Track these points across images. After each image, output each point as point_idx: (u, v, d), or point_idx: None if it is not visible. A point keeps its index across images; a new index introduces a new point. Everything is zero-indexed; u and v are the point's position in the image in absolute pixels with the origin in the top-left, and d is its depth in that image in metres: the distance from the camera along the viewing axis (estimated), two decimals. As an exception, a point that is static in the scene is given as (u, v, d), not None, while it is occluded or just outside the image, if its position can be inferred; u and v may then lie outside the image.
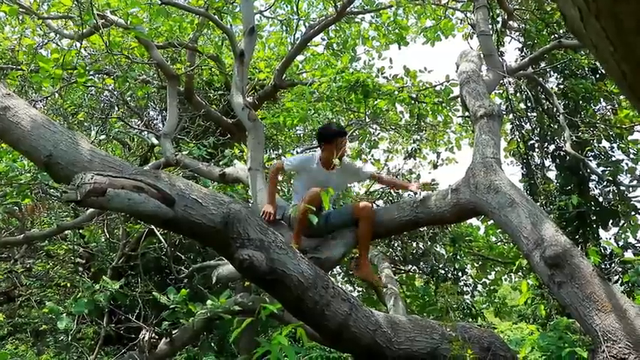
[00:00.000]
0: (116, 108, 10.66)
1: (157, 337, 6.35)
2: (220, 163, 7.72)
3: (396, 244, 8.30)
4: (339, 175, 5.12)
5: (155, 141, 8.53)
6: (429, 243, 7.90)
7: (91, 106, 10.12)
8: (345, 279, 9.68)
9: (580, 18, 1.04)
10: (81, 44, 7.80)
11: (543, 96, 8.78)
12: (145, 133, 9.66)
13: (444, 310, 3.68)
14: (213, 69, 10.12)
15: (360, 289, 9.55)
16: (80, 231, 8.39)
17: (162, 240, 6.74)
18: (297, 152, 10.27)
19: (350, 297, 3.62)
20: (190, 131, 10.06)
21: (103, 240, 8.58)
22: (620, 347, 3.47)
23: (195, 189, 3.33)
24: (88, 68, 7.62)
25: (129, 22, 7.17)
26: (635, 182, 7.81)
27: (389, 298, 6.12)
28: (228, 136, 9.58)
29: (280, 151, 10.89)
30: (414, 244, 8.16)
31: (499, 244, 8.72)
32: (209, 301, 5.84)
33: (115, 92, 9.70)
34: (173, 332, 6.34)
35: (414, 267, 8.64)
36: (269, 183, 5.22)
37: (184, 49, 9.18)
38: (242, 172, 6.55)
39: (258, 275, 3.25)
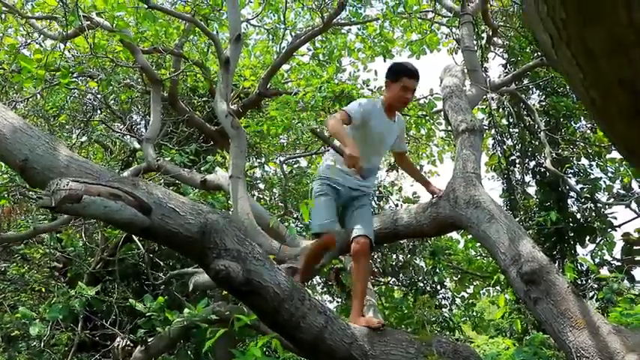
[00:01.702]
0: (99, 111, 10.57)
1: (132, 344, 6.28)
2: (202, 169, 7.68)
3: (375, 256, 8.30)
4: (397, 126, 4.44)
5: (137, 145, 8.47)
6: (409, 255, 7.92)
7: (74, 109, 10.01)
8: (324, 289, 9.65)
9: (552, 44, 1.05)
10: (65, 45, 7.74)
11: (525, 112, 8.88)
12: (128, 137, 9.58)
13: (420, 323, 3.67)
14: (198, 75, 10.10)
15: (339, 299, 9.53)
16: (57, 235, 8.28)
17: (140, 246, 6.67)
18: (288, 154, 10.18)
19: (326, 309, 3.60)
20: (173, 137, 10.01)
21: (81, 244, 8.47)
22: (592, 364, 3.50)
23: (173, 197, 3.30)
24: (71, 70, 7.55)
25: (114, 26, 7.12)
26: (612, 200, 7.91)
27: (367, 310, 6.11)
28: (211, 142, 9.54)
29: (263, 159, 10.85)
30: (394, 256, 8.17)
31: (478, 258, 8.76)
32: (186, 310, 5.79)
33: (99, 95, 9.62)
34: (149, 340, 6.28)
35: (393, 279, 8.64)
36: (335, 127, 3.85)
37: (169, 55, 9.14)
38: (223, 179, 6.53)
39: (234, 286, 3.22)
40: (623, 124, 1.06)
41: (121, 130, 9.86)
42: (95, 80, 8.46)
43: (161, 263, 8.45)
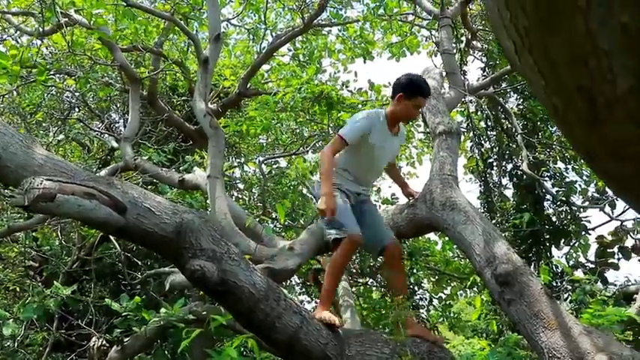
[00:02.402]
0: (76, 109, 10.47)
1: (107, 344, 6.23)
2: (181, 169, 7.65)
3: (353, 257, 8.32)
4: (396, 143, 4.35)
5: (115, 144, 8.41)
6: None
7: (51, 107, 9.91)
8: (303, 290, 9.66)
9: (515, 51, 1.07)
10: (42, 42, 7.66)
11: (503, 116, 8.99)
12: (106, 136, 9.51)
13: (395, 323, 3.69)
14: (177, 74, 10.05)
15: (318, 300, 9.53)
16: (33, 233, 8.19)
17: (117, 245, 6.63)
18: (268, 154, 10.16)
19: (302, 310, 3.62)
20: (152, 136, 9.95)
21: (57, 244, 8.38)
22: (564, 365, 3.55)
23: (148, 197, 3.29)
24: (48, 67, 7.47)
25: (93, 23, 7.06)
26: (586, 203, 8.03)
27: (344, 311, 6.16)
28: (190, 142, 9.50)
29: (243, 159, 10.83)
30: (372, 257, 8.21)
31: (456, 259, 8.82)
32: (163, 309, 5.76)
33: (76, 93, 9.53)
34: (125, 340, 6.23)
35: (371, 280, 8.68)
36: (324, 167, 3.90)
37: (149, 53, 9.09)
38: (201, 179, 6.51)
39: (210, 286, 3.22)
40: (582, 131, 1.09)
41: (99, 128, 9.78)
42: (73, 78, 8.39)
43: (139, 263, 8.40)
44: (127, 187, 3.27)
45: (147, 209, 3.19)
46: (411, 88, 4.05)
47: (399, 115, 4.13)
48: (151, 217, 3.18)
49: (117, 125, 11.23)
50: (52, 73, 8.22)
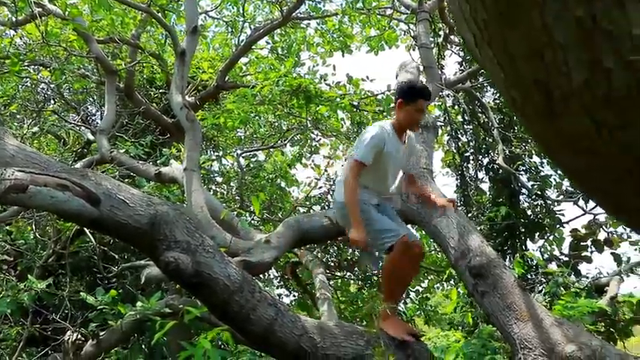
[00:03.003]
0: (52, 101, 10.34)
1: (83, 338, 6.18)
2: (158, 162, 7.61)
3: (331, 250, 8.37)
4: (405, 150, 4.24)
5: (91, 137, 8.33)
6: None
7: (25, 98, 9.77)
8: (281, 283, 9.67)
9: (475, 44, 1.09)
10: (15, 32, 7.55)
11: (479, 110, 9.06)
12: (82, 128, 9.40)
13: (369, 315, 3.73)
14: (154, 67, 9.97)
15: (296, 294, 9.57)
16: (7, 227, 8.08)
17: (92, 238, 6.57)
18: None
19: (277, 302, 3.63)
20: (129, 129, 9.86)
21: (32, 237, 8.28)
22: (535, 355, 3.63)
23: (122, 189, 3.27)
24: (22, 58, 7.37)
25: (67, 14, 6.97)
26: (561, 197, 8.15)
27: (322, 304, 6.17)
28: (168, 135, 9.44)
29: (221, 152, 10.79)
30: (350, 250, 8.24)
31: (432, 252, 8.90)
32: (139, 303, 5.74)
33: (52, 85, 9.41)
34: (101, 334, 6.20)
35: (349, 273, 8.73)
36: (351, 198, 3.89)
37: (126, 45, 9.00)
38: (178, 172, 6.48)
39: (184, 278, 3.22)
40: (539, 124, 1.12)
41: (75, 121, 9.67)
42: (48, 69, 8.28)
43: (116, 256, 8.34)
44: (101, 179, 3.25)
45: (121, 201, 3.17)
46: (411, 92, 4.03)
47: (404, 122, 4.07)
48: (125, 209, 3.17)
49: (94, 118, 11.11)
50: (26, 64, 8.11)
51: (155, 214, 3.22)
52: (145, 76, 10.44)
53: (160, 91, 10.53)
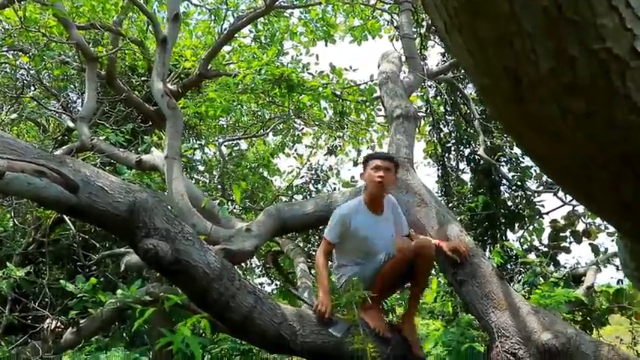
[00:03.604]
0: (32, 87, 10.21)
1: (62, 326, 6.15)
2: (139, 150, 7.56)
3: (312, 239, 8.39)
4: (387, 219, 4.19)
5: (71, 124, 8.24)
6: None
7: (4, 84, 9.64)
8: (262, 272, 9.68)
9: (445, 31, 1.11)
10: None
11: (461, 101, 9.10)
12: (62, 115, 9.29)
13: (349, 305, 3.75)
14: (136, 54, 9.88)
15: (278, 283, 9.59)
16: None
17: (71, 226, 6.53)
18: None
19: (256, 290, 3.64)
20: (111, 116, 9.78)
21: (12, 225, 8.21)
22: (511, 343, 3.68)
23: (101, 176, 3.25)
24: (0, 43, 7.27)
25: (47, -1, 6.88)
26: (541, 188, 8.23)
27: (302, 292, 6.20)
28: (150, 123, 9.37)
29: (203, 141, 10.74)
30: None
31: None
32: (119, 291, 5.72)
33: (31, 71, 9.29)
34: (81, 322, 6.17)
35: (330, 262, 8.73)
36: (318, 275, 4.13)
37: (107, 32, 8.90)
38: (159, 159, 6.46)
39: (163, 265, 3.22)
40: (508, 110, 1.14)
41: (55, 108, 9.56)
42: (27, 55, 8.17)
43: (97, 245, 8.30)
44: (79, 166, 3.23)
45: (99, 188, 3.16)
46: (364, 160, 4.23)
47: (370, 189, 4.12)
48: (103, 196, 3.16)
49: (75, 105, 11.01)
50: (4, 49, 7.99)
51: (134, 201, 3.21)
52: (126, 64, 10.35)
53: (142, 78, 10.44)
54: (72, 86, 10.92)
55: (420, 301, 4.44)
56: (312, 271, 8.64)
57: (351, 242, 4.08)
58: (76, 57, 9.15)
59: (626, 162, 1.09)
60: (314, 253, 8.61)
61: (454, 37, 1.10)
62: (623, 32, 0.98)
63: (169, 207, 3.37)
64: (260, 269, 9.97)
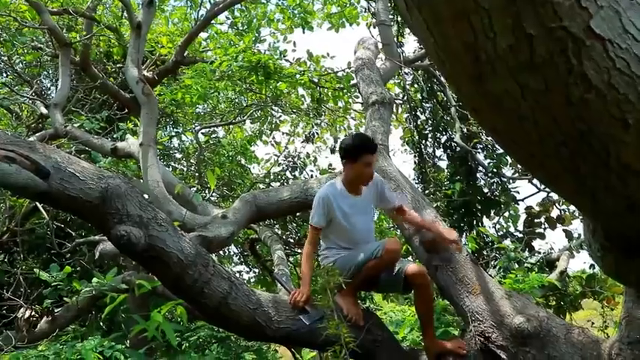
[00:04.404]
0: (4, 74, 10.03)
1: (37, 315, 6.10)
2: (115, 137, 7.48)
3: (290, 227, 8.40)
4: (368, 194, 4.09)
5: (45, 111, 8.12)
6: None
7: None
8: (241, 260, 9.68)
9: (406, 8, 1.11)
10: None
11: (438, 88, 9.13)
12: (35, 101, 9.15)
13: (323, 290, 3.76)
14: (111, 40, 9.75)
15: (256, 270, 9.59)
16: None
17: (45, 214, 6.46)
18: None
19: (230, 276, 3.63)
20: (86, 103, 9.66)
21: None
22: (485, 326, 3.72)
23: (73, 162, 3.21)
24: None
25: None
26: (516, 174, 8.30)
27: (279, 281, 6.20)
28: (126, 110, 9.27)
29: (180, 129, 10.67)
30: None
31: (391, 229, 8.99)
32: (94, 279, 5.68)
33: (3, 57, 9.12)
34: (56, 311, 6.12)
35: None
36: (302, 267, 4.09)
37: (81, 18, 8.76)
38: (134, 147, 6.40)
39: (136, 252, 3.19)
40: (467, 86, 1.14)
41: (29, 94, 9.40)
42: (-2, 40, 8.03)
43: (73, 233, 8.22)
44: (50, 152, 3.18)
45: (71, 174, 3.11)
46: (353, 150, 3.88)
47: (355, 181, 3.96)
48: (75, 182, 3.11)
49: (49, 92, 10.84)
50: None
51: (106, 187, 3.17)
52: (101, 50, 10.21)
53: (118, 65, 10.31)
54: (46, 73, 10.75)
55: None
56: (291, 259, 8.69)
57: (334, 225, 3.99)
58: (49, 43, 8.99)
59: (583, 139, 1.11)
60: (291, 240, 8.66)
61: (414, 15, 1.10)
62: (579, 11, 1.00)
63: (143, 193, 3.35)
64: (238, 257, 9.96)
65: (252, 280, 9.59)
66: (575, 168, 1.20)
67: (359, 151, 3.84)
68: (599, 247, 1.79)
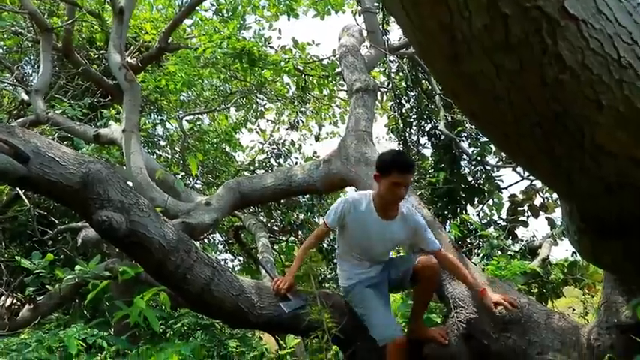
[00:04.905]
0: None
1: (19, 303, 6.07)
2: (98, 124, 7.42)
3: (274, 214, 8.41)
4: (400, 227, 3.74)
5: (26, 97, 8.02)
6: (308, 213, 8.07)
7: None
8: (225, 248, 9.68)
9: (382, -12, 1.11)
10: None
11: (423, 76, 9.13)
12: (16, 87, 9.02)
13: (306, 276, 3.78)
14: (94, 26, 9.63)
15: (241, 259, 9.59)
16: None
17: (26, 201, 6.41)
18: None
19: (213, 262, 3.62)
20: (69, 90, 9.55)
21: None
22: (467, 312, 3.75)
23: (53, 147, 3.18)
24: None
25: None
26: (500, 163, 8.34)
27: (264, 267, 6.21)
28: (109, 97, 9.18)
29: (165, 116, 10.59)
30: (294, 214, 8.29)
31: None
32: (77, 266, 5.64)
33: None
34: (39, 298, 6.09)
35: (293, 237, 8.78)
36: (299, 250, 4.00)
37: (63, 2, 8.64)
38: (117, 133, 6.36)
39: (118, 237, 3.17)
40: (444, 66, 1.15)
41: (10, 80, 9.27)
42: (-23, 25, 7.91)
43: (56, 221, 8.15)
44: (30, 136, 3.14)
45: (51, 159, 3.08)
46: (383, 165, 3.59)
47: (382, 197, 3.64)
48: (55, 167, 3.08)
49: (30, 78, 10.69)
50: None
51: (87, 172, 3.14)
52: (84, 36, 10.08)
53: (101, 52, 10.19)
54: (27, 59, 10.60)
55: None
56: (276, 247, 8.70)
57: (349, 233, 3.80)
58: (30, 28, 8.87)
59: (558, 120, 1.12)
60: (276, 228, 8.67)
61: (391, -4, 1.10)
62: (554, -10, 1.00)
63: (125, 180, 3.33)
64: (223, 245, 9.95)
65: (237, 268, 9.59)
66: (550, 149, 1.21)
67: (388, 168, 3.54)
68: (575, 230, 1.81)
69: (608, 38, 1.07)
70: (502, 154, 8.26)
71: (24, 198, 6.64)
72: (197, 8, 9.56)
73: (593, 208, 1.53)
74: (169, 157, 10.17)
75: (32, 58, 10.62)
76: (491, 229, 8.05)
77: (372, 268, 3.85)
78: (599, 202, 1.42)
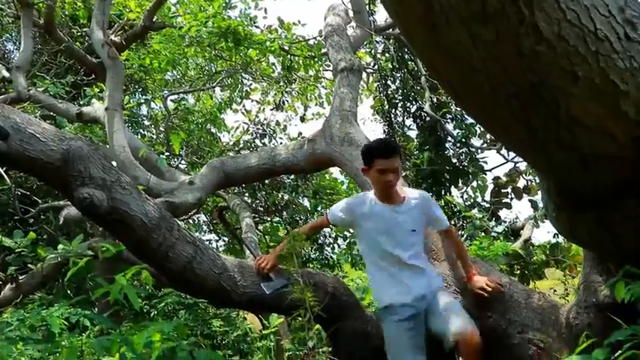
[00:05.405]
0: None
1: (0, 282, 6.03)
2: (82, 103, 7.34)
3: (259, 195, 8.40)
4: (409, 207, 3.61)
5: (7, 74, 7.90)
6: (293, 194, 8.09)
7: None
8: (210, 228, 9.67)
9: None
10: None
11: (409, 57, 9.11)
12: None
13: (290, 255, 3.78)
14: (77, 3, 9.49)
15: (225, 239, 9.59)
16: None
17: (7, 179, 6.34)
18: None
19: (195, 240, 3.61)
20: (52, 68, 9.43)
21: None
22: (449, 292, 3.78)
23: (33, 123, 3.14)
24: None
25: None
26: (484, 145, 8.37)
27: (248, 247, 6.22)
28: (92, 76, 9.08)
29: (150, 96, 10.50)
30: (279, 195, 8.30)
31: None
32: (60, 245, 5.61)
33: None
34: (20, 278, 6.05)
35: (278, 217, 8.80)
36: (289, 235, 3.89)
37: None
38: (100, 112, 6.30)
39: (99, 214, 3.15)
40: (421, 37, 1.14)
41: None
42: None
43: (39, 201, 8.09)
44: (9, 112, 3.10)
45: (31, 135, 3.04)
46: (366, 156, 3.55)
47: (376, 187, 3.60)
48: (35, 144, 3.05)
49: (12, 55, 10.55)
50: None
51: (68, 149, 3.11)
52: (67, 13, 9.93)
53: (84, 29, 10.05)
54: (8, 35, 10.44)
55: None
56: (260, 227, 8.71)
57: (366, 233, 3.66)
58: (10, 3, 8.72)
59: (534, 91, 1.12)
60: (261, 208, 8.67)
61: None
62: (530, -41, 0.99)
63: (108, 157, 3.30)
64: (208, 226, 9.95)
65: (221, 249, 9.59)
66: (527, 119, 1.21)
67: (371, 156, 3.50)
68: (553, 207, 1.82)
69: (585, 10, 1.08)
70: (487, 136, 8.31)
71: (5, 176, 6.57)
72: (182, -14, 9.47)
73: (569, 180, 1.54)
74: (154, 137, 10.11)
75: (13, 35, 10.47)
76: (474, 211, 8.11)
77: (407, 284, 3.51)
78: (575, 174, 1.43)
